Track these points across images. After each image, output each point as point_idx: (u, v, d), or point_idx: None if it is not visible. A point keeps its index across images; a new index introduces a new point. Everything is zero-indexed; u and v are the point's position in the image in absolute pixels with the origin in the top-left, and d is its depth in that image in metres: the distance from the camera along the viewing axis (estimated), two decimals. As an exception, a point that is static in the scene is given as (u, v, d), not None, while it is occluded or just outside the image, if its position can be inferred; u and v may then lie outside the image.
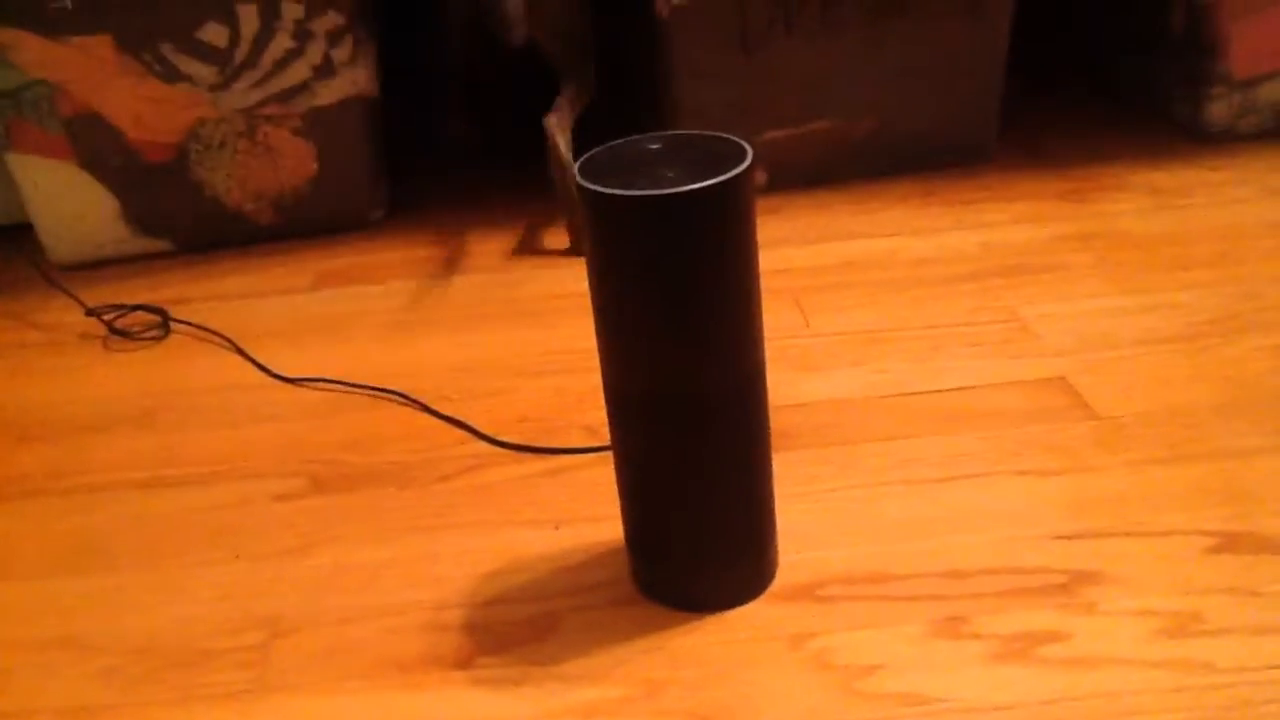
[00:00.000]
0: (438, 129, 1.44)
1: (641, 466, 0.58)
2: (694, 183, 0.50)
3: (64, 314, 1.03)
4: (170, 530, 0.72)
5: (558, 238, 1.10)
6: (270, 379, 0.89)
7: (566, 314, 0.95)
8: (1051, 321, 0.86)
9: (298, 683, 0.59)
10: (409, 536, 0.69)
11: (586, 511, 0.69)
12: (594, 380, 0.83)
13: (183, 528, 0.72)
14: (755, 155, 0.54)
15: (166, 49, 1.04)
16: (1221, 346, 0.81)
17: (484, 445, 0.77)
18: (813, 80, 1.10)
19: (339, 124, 1.10)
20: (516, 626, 0.61)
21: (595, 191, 0.52)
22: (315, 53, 1.06)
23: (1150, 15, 1.20)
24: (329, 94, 1.09)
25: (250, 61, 1.06)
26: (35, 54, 1.03)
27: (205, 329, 0.98)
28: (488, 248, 1.09)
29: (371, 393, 0.85)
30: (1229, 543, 0.62)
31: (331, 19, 1.05)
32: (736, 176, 0.51)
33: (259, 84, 1.07)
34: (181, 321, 0.99)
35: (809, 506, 0.68)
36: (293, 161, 1.11)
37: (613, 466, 0.62)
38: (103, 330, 0.99)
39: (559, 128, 1.03)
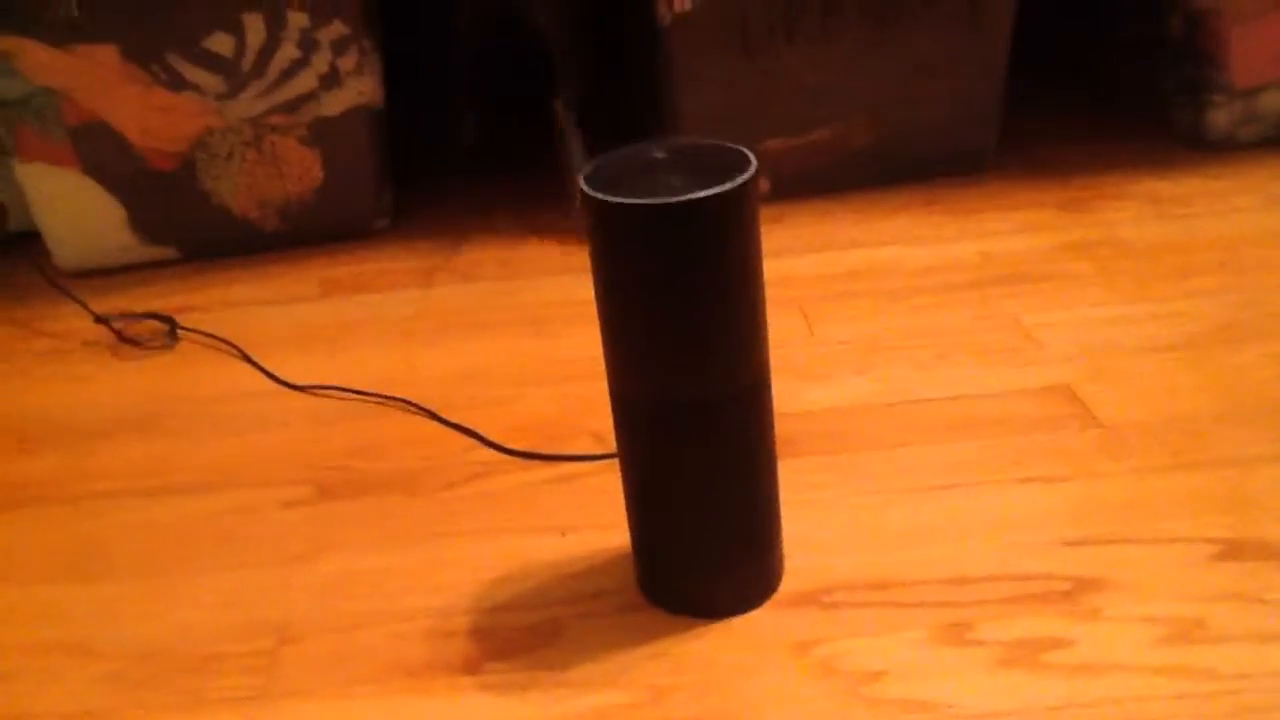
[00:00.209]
0: (445, 132, 1.45)
1: (647, 473, 0.59)
2: (699, 191, 0.51)
3: (72, 321, 1.03)
4: (176, 537, 0.72)
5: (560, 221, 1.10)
6: (277, 386, 0.89)
7: (573, 322, 0.95)
8: (1054, 330, 0.86)
9: (305, 688, 0.59)
10: (416, 543, 0.69)
11: (593, 518, 0.70)
12: (600, 388, 0.84)
13: (189, 534, 0.72)
14: (758, 163, 0.54)
15: (173, 58, 1.05)
16: (1224, 354, 0.81)
17: (491, 452, 0.78)
18: (813, 88, 1.11)
19: (345, 133, 1.11)
20: (523, 632, 0.61)
21: (600, 200, 0.52)
22: (321, 62, 1.07)
23: (1148, 22, 1.20)
24: (335, 103, 1.09)
25: (257, 71, 1.06)
26: (41, 62, 1.04)
27: (212, 336, 0.98)
28: (493, 255, 1.10)
29: (378, 400, 0.86)
30: (1232, 550, 0.62)
31: (337, 28, 1.06)
32: (742, 185, 0.52)
33: (265, 93, 1.07)
34: (189, 329, 0.99)
35: (813, 513, 0.68)
36: (299, 170, 1.12)
37: (619, 474, 0.62)
38: (111, 338, 0.99)
39: (564, 106, 1.04)
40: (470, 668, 0.59)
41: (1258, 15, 1.10)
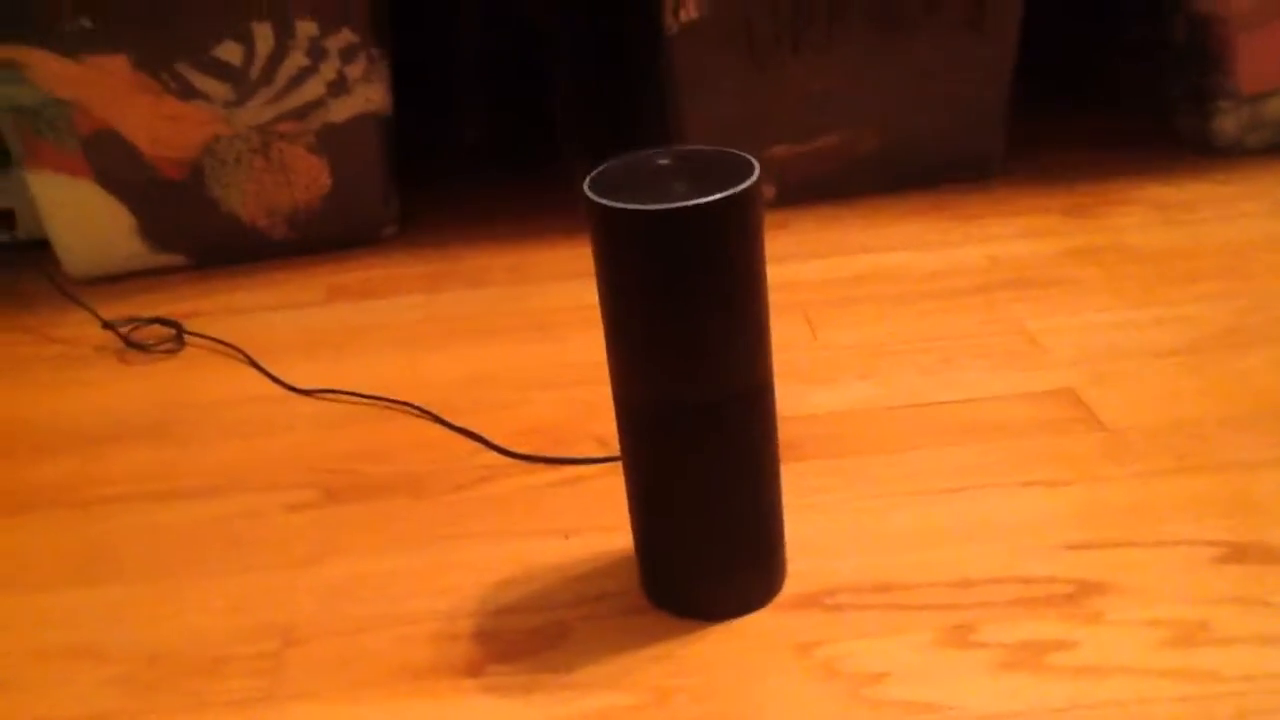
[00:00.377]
0: (452, 139, 1.45)
1: (651, 477, 0.59)
2: (702, 197, 0.51)
3: (80, 327, 1.04)
4: (183, 541, 0.73)
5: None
6: (283, 391, 0.90)
7: (577, 327, 0.96)
8: (1059, 334, 0.87)
9: (311, 690, 0.59)
10: (421, 546, 0.70)
11: (597, 521, 0.70)
12: (605, 392, 0.84)
13: (196, 538, 0.73)
14: (762, 170, 0.54)
15: (183, 67, 1.06)
16: (1229, 359, 0.81)
17: (496, 456, 0.78)
18: (819, 95, 1.11)
19: (352, 140, 1.11)
20: (527, 635, 0.61)
21: (604, 206, 0.52)
22: (329, 70, 1.08)
23: (1152, 26, 1.20)
24: (343, 111, 1.10)
25: (265, 79, 1.07)
26: (53, 72, 1.05)
27: (219, 341, 0.99)
28: (500, 261, 1.10)
29: (384, 404, 0.86)
30: (1236, 553, 0.62)
31: (345, 36, 1.07)
32: (744, 191, 0.52)
33: (273, 101, 1.08)
34: (196, 334, 1.00)
35: (817, 516, 0.69)
36: (306, 178, 1.13)
37: (623, 477, 0.62)
38: (118, 343, 1.00)
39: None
40: (474, 670, 0.59)
41: (1264, 22, 1.10)
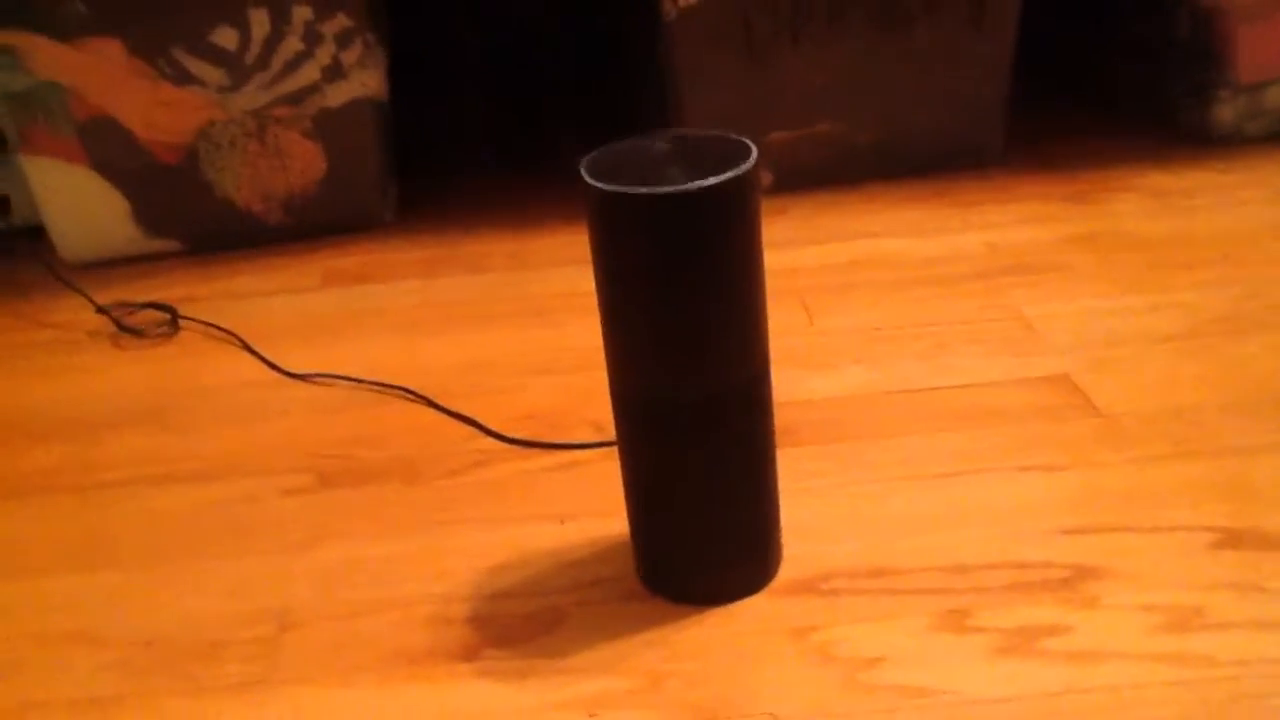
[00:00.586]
0: (449, 124, 1.45)
1: (646, 463, 0.59)
2: (700, 182, 0.51)
3: (75, 313, 1.04)
4: (179, 525, 0.72)
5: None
6: (278, 376, 0.89)
7: (574, 313, 0.95)
8: (1056, 320, 0.86)
9: (307, 675, 0.59)
10: (416, 531, 0.69)
11: (592, 506, 0.70)
12: (601, 377, 0.84)
13: (192, 523, 0.73)
14: (760, 155, 0.54)
15: (178, 52, 1.05)
16: (1226, 345, 0.81)
17: (491, 441, 0.78)
18: (818, 84, 1.11)
19: (348, 125, 1.11)
20: (522, 620, 0.61)
21: (602, 190, 0.52)
22: (325, 55, 1.07)
23: (1154, 23, 1.20)
24: (338, 95, 1.09)
25: (260, 64, 1.07)
26: (47, 57, 1.04)
27: (214, 326, 0.98)
28: (498, 247, 1.10)
29: (379, 389, 0.86)
30: (1231, 539, 0.62)
31: (341, 21, 1.06)
32: (742, 175, 0.52)
33: (269, 86, 1.08)
34: (190, 319, 1.00)
35: (813, 502, 0.69)
36: (302, 163, 1.12)
37: (618, 462, 0.62)
38: (113, 328, 1.00)
39: None
40: (470, 655, 0.59)
41: (1265, 14, 1.10)
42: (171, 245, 1.15)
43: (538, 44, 1.50)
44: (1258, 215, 1.01)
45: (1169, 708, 0.52)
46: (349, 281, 1.06)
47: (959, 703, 0.53)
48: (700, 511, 0.59)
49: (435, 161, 1.36)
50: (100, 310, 1.01)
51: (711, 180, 0.51)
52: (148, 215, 1.13)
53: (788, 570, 0.63)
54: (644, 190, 0.51)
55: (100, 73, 1.05)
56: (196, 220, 1.14)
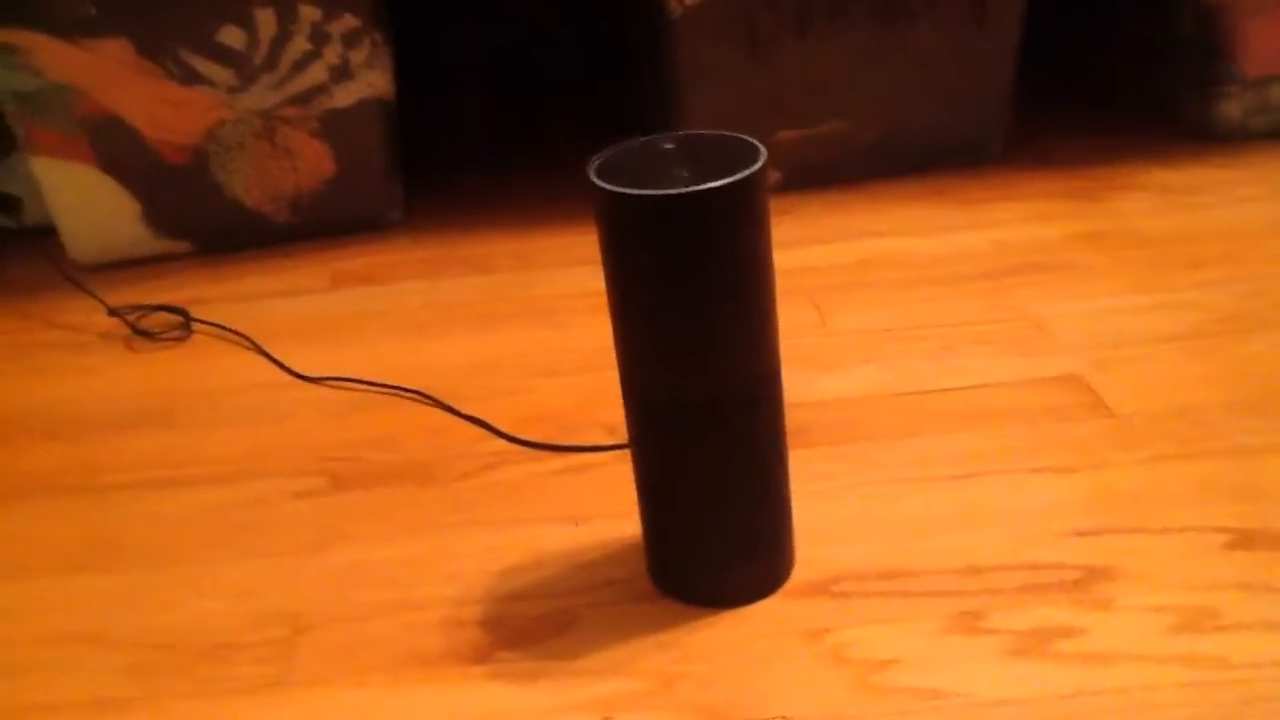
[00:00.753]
0: (456, 124, 1.45)
1: (658, 465, 0.59)
2: (708, 182, 0.51)
3: (86, 314, 1.04)
4: (191, 528, 0.73)
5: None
6: (290, 378, 0.90)
7: (584, 313, 0.95)
8: (1064, 320, 0.86)
9: (320, 677, 0.59)
10: (428, 533, 0.70)
11: (604, 508, 0.70)
12: (612, 379, 0.84)
13: (203, 525, 0.73)
14: (768, 155, 0.54)
15: (185, 52, 1.05)
16: (1234, 344, 0.81)
17: (503, 443, 0.78)
18: (822, 82, 1.11)
19: (356, 126, 1.11)
20: (534, 622, 0.62)
21: (610, 191, 0.52)
22: (332, 55, 1.07)
23: (1157, 19, 1.20)
24: (346, 96, 1.10)
25: (268, 64, 1.07)
26: (55, 58, 1.04)
27: (225, 328, 0.99)
28: (505, 248, 1.10)
29: (391, 391, 0.86)
30: (1243, 539, 0.62)
31: (348, 21, 1.06)
32: (751, 176, 0.52)
33: (276, 86, 1.08)
34: (202, 321, 1.00)
35: (825, 503, 0.69)
36: (310, 163, 1.12)
37: (630, 464, 0.62)
38: (125, 330, 1.00)
39: None
40: (482, 657, 0.59)
41: (1271, 8, 1.10)
42: (181, 246, 1.15)
43: (541, 42, 1.50)
44: (1263, 212, 1.01)
45: (1182, 710, 0.52)
46: (357, 282, 1.06)
47: (972, 705, 0.54)
48: (713, 512, 0.59)
49: (438, 160, 1.36)
50: (113, 313, 1.01)
51: (722, 181, 0.51)
52: (157, 216, 1.13)
53: (800, 572, 0.63)
54: (653, 192, 0.51)
55: (107, 72, 1.05)
56: (206, 220, 1.14)
